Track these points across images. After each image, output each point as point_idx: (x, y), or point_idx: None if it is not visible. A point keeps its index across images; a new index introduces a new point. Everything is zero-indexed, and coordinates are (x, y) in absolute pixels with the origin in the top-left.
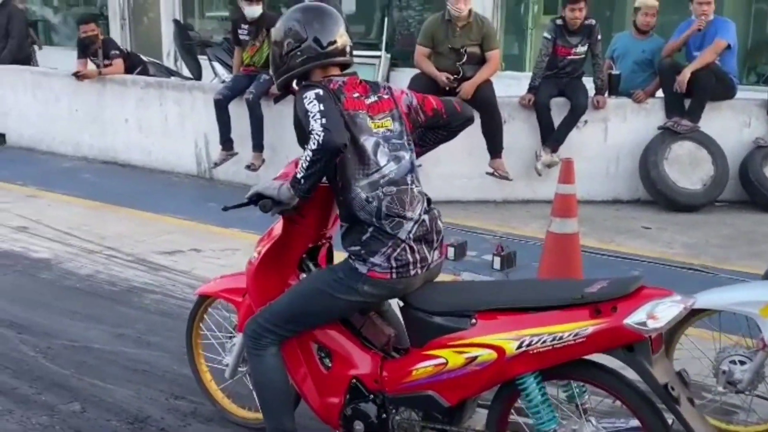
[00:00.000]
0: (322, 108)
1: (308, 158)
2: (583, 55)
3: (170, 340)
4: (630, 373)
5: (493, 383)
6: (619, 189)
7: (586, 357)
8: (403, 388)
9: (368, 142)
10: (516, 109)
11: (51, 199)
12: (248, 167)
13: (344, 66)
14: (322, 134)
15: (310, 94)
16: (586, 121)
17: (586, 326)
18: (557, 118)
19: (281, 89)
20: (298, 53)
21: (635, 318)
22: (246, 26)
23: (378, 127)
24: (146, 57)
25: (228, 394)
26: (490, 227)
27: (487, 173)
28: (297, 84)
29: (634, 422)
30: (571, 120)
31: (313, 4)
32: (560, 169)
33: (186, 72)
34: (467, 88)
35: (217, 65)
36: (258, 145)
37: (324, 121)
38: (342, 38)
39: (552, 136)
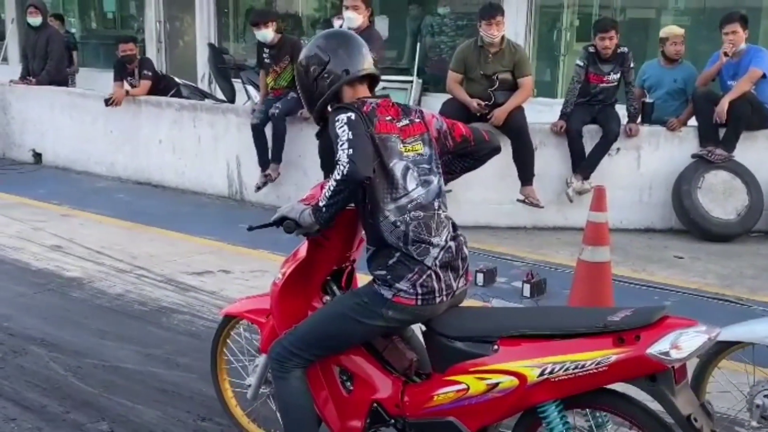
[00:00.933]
0: (350, 137)
1: (332, 188)
2: (615, 83)
3: (198, 362)
4: (655, 405)
5: (515, 411)
6: (651, 218)
7: (609, 386)
8: (424, 413)
9: (398, 167)
10: (547, 136)
11: (84, 218)
12: (264, 177)
13: (372, 83)
14: (347, 166)
15: (342, 118)
16: (618, 149)
17: (608, 355)
18: (589, 146)
19: (320, 122)
20: (325, 75)
21: (658, 348)
22: (268, 50)
23: (408, 151)
24: (181, 80)
25: (253, 419)
26: (520, 254)
27: (518, 200)
28: (330, 108)
29: None
30: (603, 147)
31: (330, 30)
32: (592, 197)
33: (220, 95)
34: (499, 114)
35: (250, 88)
36: (277, 158)
37: (351, 151)
38: (367, 60)
39: (584, 163)
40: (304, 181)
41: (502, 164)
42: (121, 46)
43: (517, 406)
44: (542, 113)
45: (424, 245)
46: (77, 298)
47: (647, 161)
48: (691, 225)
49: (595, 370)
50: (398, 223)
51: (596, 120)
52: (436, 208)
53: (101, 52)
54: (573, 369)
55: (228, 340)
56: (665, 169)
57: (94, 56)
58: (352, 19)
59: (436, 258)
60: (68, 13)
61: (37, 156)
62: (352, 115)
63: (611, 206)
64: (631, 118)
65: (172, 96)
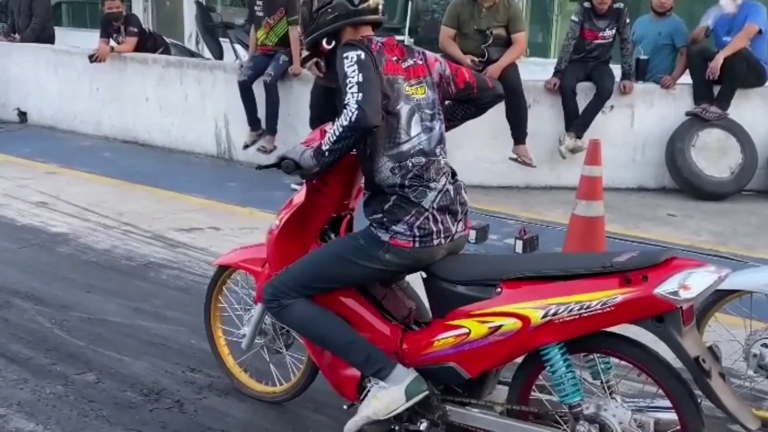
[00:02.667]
0: (361, 79)
1: (337, 132)
2: (610, 39)
3: (188, 315)
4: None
5: (516, 354)
6: (644, 176)
7: (612, 329)
8: (424, 359)
9: (403, 110)
10: (541, 94)
11: (70, 176)
12: (260, 150)
13: (375, 25)
14: (356, 113)
15: (352, 56)
16: (612, 107)
17: (615, 295)
18: (583, 103)
19: (310, 49)
20: (329, 10)
21: (666, 287)
22: (260, 2)
23: (413, 93)
24: (168, 39)
25: (245, 368)
26: (512, 212)
27: (511, 159)
28: (327, 43)
29: (661, 401)
30: (597, 105)
31: None
32: (587, 151)
33: (207, 54)
34: (493, 71)
35: (238, 47)
36: (271, 129)
37: (361, 97)
38: None
39: (577, 121)
40: (293, 139)
41: (495, 123)
42: (107, 3)
43: (519, 349)
44: (535, 74)
45: (421, 188)
46: (63, 254)
47: (641, 119)
48: (685, 183)
49: (600, 311)
50: (396, 169)
51: (590, 77)
52: (438, 154)
53: (87, 11)
54: (578, 310)
55: (224, 289)
56: (659, 127)
57: (80, 17)
58: None
59: (433, 201)
60: None
61: (22, 115)
62: (362, 54)
63: (603, 164)
64: (625, 76)
65: (161, 54)
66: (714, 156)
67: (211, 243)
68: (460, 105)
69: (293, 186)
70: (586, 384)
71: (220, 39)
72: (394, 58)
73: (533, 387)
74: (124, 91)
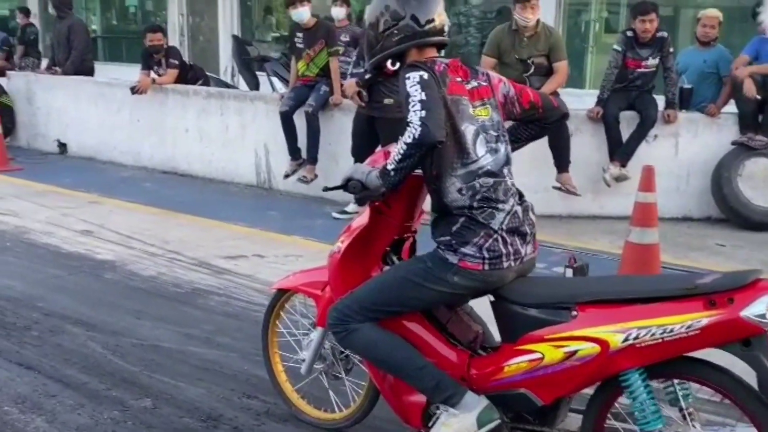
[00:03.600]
0: (424, 97)
1: (401, 151)
2: (653, 68)
3: (239, 341)
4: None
5: (593, 380)
6: (689, 206)
7: (693, 354)
8: (493, 386)
9: (468, 131)
10: (583, 123)
11: (113, 205)
12: (301, 180)
13: (440, 47)
14: (420, 129)
15: (414, 76)
16: (656, 136)
17: (699, 318)
18: (626, 132)
19: (373, 70)
20: (395, 32)
21: (754, 310)
22: (300, 34)
23: (477, 115)
24: (210, 74)
25: (303, 395)
26: (557, 241)
27: (554, 188)
28: (392, 65)
29: (742, 428)
30: (641, 133)
31: None
32: (641, 176)
33: (243, 87)
34: None
35: (274, 80)
36: (312, 158)
37: (423, 114)
38: (440, 17)
39: (621, 150)
40: (334, 169)
41: (536, 151)
42: (148, 36)
43: (596, 374)
44: (571, 105)
45: (489, 209)
46: (110, 280)
47: (685, 148)
48: (731, 213)
49: (684, 335)
50: (465, 190)
51: (633, 106)
52: (504, 175)
53: (123, 46)
54: (660, 334)
55: (281, 313)
56: (703, 156)
57: (116, 51)
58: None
59: (502, 222)
60: (90, 9)
61: (62, 146)
62: (425, 74)
63: None
64: (669, 104)
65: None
66: (761, 185)
67: (256, 270)
68: (524, 126)
69: (334, 215)
70: (664, 411)
71: (257, 72)
72: (458, 79)
73: (608, 415)
74: (165, 122)
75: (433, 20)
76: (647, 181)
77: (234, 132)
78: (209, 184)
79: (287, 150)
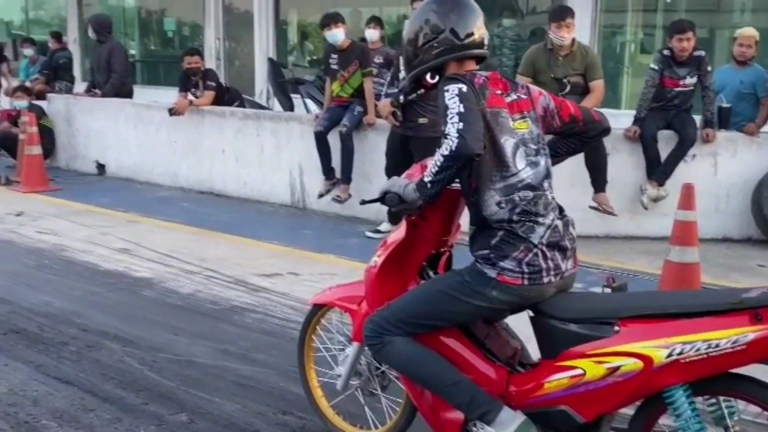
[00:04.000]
0: (462, 110)
1: (439, 163)
2: (691, 87)
3: (275, 358)
4: None
5: (636, 396)
6: (728, 226)
7: (739, 370)
8: (533, 402)
9: (508, 144)
10: (620, 142)
11: (150, 225)
12: (335, 199)
13: (480, 60)
14: (457, 141)
15: (453, 89)
16: (694, 155)
17: (745, 333)
18: (664, 152)
19: (411, 84)
20: (435, 45)
21: None
22: (335, 56)
23: (517, 128)
24: (245, 96)
25: (338, 411)
26: (594, 261)
27: (591, 207)
28: (431, 78)
29: None
30: (679, 153)
31: None
32: (680, 195)
33: (278, 109)
34: None
35: (309, 102)
36: (346, 178)
37: (461, 126)
38: (480, 30)
39: (659, 170)
40: (367, 188)
41: (572, 170)
42: (186, 59)
43: (639, 391)
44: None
45: (529, 223)
46: (148, 297)
47: (724, 168)
48: None
49: (730, 350)
50: (504, 203)
51: (671, 125)
52: (545, 188)
53: (161, 70)
54: (705, 349)
55: (317, 328)
56: (743, 175)
57: (154, 75)
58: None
59: (542, 236)
60: (129, 35)
61: (101, 167)
62: (464, 87)
63: None
64: (708, 124)
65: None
66: None
67: (292, 288)
68: (564, 139)
69: (368, 234)
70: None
71: (291, 95)
72: (498, 92)
73: None
74: (202, 143)
75: (472, 34)
76: (687, 199)
77: (269, 152)
78: (245, 204)
79: (321, 170)
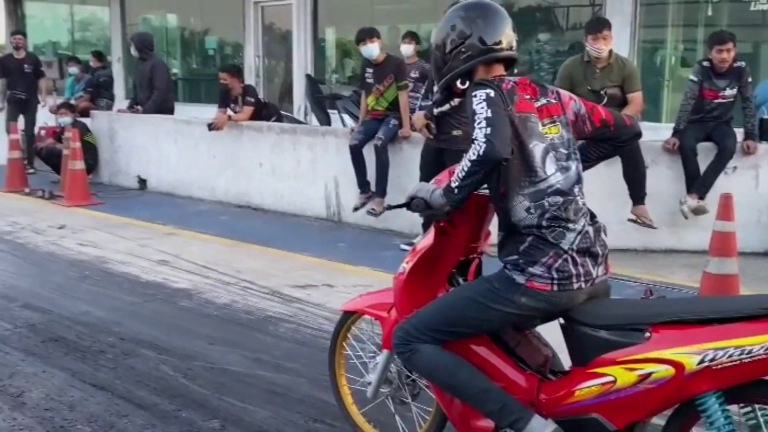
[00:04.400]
0: (489, 114)
1: (466, 168)
2: (731, 99)
3: (308, 367)
4: None
5: (668, 404)
6: None
7: None
8: (564, 410)
9: (537, 149)
10: (659, 154)
11: (189, 237)
12: (370, 212)
13: (509, 64)
14: (484, 146)
15: (481, 94)
16: (735, 167)
17: None
18: (703, 164)
19: (443, 92)
20: (462, 50)
21: None
22: (370, 70)
23: (547, 132)
24: (283, 112)
25: (369, 419)
26: (633, 274)
27: (629, 220)
28: (461, 84)
29: None
30: (719, 165)
31: (477, 1)
32: (719, 205)
33: (316, 125)
34: None
35: (345, 117)
36: (381, 191)
37: (489, 130)
38: (508, 37)
39: (698, 182)
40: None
41: (610, 183)
42: (220, 74)
43: (671, 398)
44: (648, 138)
45: (559, 229)
46: (185, 307)
47: (766, 180)
48: None
49: (764, 356)
50: (533, 209)
51: (711, 137)
52: (575, 194)
53: (202, 88)
54: (738, 355)
55: (348, 336)
56: None
57: (196, 93)
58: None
59: (572, 242)
60: (171, 53)
61: (142, 182)
62: (492, 92)
63: None
64: (749, 135)
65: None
66: None
67: (326, 299)
68: (596, 145)
69: (402, 246)
70: None
71: (329, 110)
72: (527, 97)
73: None
74: (239, 157)
75: (500, 42)
76: (725, 210)
77: (305, 166)
78: (281, 218)
79: (356, 183)
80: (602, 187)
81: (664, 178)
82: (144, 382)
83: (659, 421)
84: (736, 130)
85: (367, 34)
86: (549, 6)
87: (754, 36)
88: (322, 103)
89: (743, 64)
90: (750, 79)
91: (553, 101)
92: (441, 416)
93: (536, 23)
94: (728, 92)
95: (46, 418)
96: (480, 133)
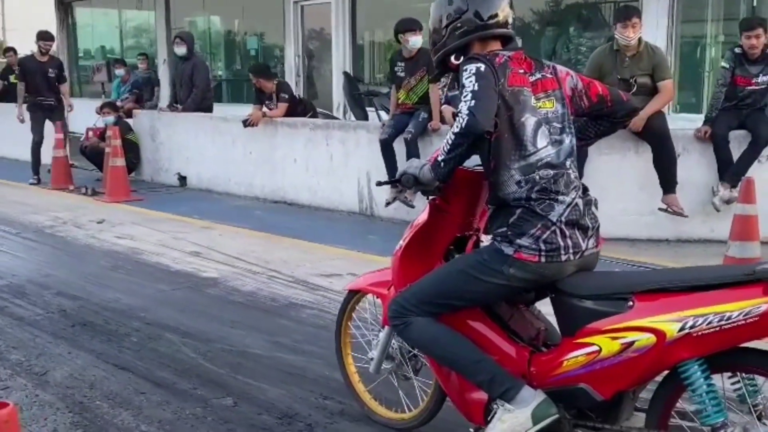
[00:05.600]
0: (476, 88)
1: (450, 141)
2: (764, 86)
3: (324, 350)
4: None
5: (652, 372)
6: None
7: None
8: (553, 381)
9: (529, 122)
10: (691, 142)
11: (223, 230)
12: (404, 201)
13: (505, 40)
14: (467, 118)
15: (471, 68)
16: None
17: (758, 304)
18: (736, 152)
19: (439, 66)
20: (458, 25)
21: None
22: (402, 63)
23: (540, 107)
24: (318, 108)
25: (375, 396)
26: (662, 263)
27: (660, 209)
28: (456, 59)
29: None
30: (752, 153)
31: None
32: (740, 189)
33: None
34: (637, 121)
35: (382, 113)
36: None
37: (473, 103)
38: (504, 11)
39: (731, 170)
40: None
41: (641, 173)
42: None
43: (655, 366)
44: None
45: (548, 201)
46: (211, 295)
47: None
48: None
49: (743, 322)
50: (523, 183)
51: (744, 125)
52: (567, 167)
53: (245, 88)
54: (717, 322)
55: (353, 315)
56: None
57: (238, 93)
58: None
59: (561, 214)
60: (215, 54)
61: (182, 179)
62: (482, 66)
63: (762, 216)
64: None
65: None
66: None
67: None
68: (594, 122)
69: None
70: (735, 410)
71: (366, 108)
72: (521, 71)
73: (673, 413)
74: (275, 153)
75: (496, 15)
76: (747, 194)
77: (338, 161)
78: (315, 212)
79: (387, 177)
80: (632, 178)
81: (696, 166)
82: (165, 363)
83: (646, 395)
84: None
85: (411, 25)
86: (595, 2)
87: None
88: (359, 101)
89: None
90: None
91: (549, 76)
92: (440, 390)
93: (583, 21)
94: (761, 79)
95: (67, 395)
96: (464, 106)
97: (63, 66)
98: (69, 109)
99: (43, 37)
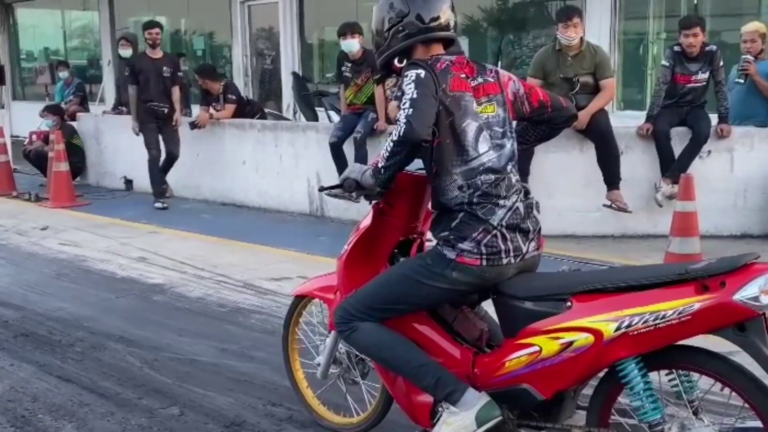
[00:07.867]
0: (415, 96)
1: (389, 148)
2: (704, 83)
3: (272, 356)
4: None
5: (591, 371)
6: (748, 223)
7: (692, 344)
8: (496, 382)
9: (470, 127)
10: (633, 140)
11: (170, 235)
12: (348, 199)
13: (448, 43)
14: (404, 126)
15: (411, 74)
16: (709, 151)
17: (691, 303)
18: (678, 149)
19: (383, 69)
20: (400, 28)
21: (746, 293)
22: (349, 64)
23: (482, 111)
24: (267, 109)
25: (323, 401)
26: (607, 259)
27: (605, 205)
28: (399, 62)
29: (751, 422)
30: (693, 149)
31: None
32: (679, 186)
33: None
34: (582, 117)
35: (332, 114)
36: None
37: (410, 111)
38: (446, 14)
39: (673, 167)
40: None
41: (586, 170)
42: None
43: (593, 365)
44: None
45: (489, 205)
46: (158, 302)
47: (741, 163)
48: None
49: (677, 321)
50: (466, 187)
51: (685, 122)
52: (508, 171)
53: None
54: (653, 321)
55: (300, 321)
56: (761, 170)
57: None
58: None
59: (502, 218)
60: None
61: (129, 183)
62: (422, 73)
63: (703, 211)
64: (722, 119)
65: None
66: None
67: None
68: (534, 126)
69: None
70: (672, 407)
71: (315, 108)
72: (462, 75)
73: (613, 410)
74: (223, 155)
75: (438, 18)
76: (686, 190)
77: (288, 162)
78: (264, 214)
79: (338, 178)
80: (579, 174)
81: (639, 163)
82: (109, 373)
83: (587, 391)
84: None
85: (348, 29)
86: (541, 1)
87: (737, 24)
88: (309, 101)
89: (714, 47)
90: (722, 63)
91: (491, 80)
92: (388, 394)
93: (529, 19)
94: (700, 76)
95: (8, 409)
96: (402, 114)
97: (179, 64)
98: (177, 122)
99: (147, 24)
